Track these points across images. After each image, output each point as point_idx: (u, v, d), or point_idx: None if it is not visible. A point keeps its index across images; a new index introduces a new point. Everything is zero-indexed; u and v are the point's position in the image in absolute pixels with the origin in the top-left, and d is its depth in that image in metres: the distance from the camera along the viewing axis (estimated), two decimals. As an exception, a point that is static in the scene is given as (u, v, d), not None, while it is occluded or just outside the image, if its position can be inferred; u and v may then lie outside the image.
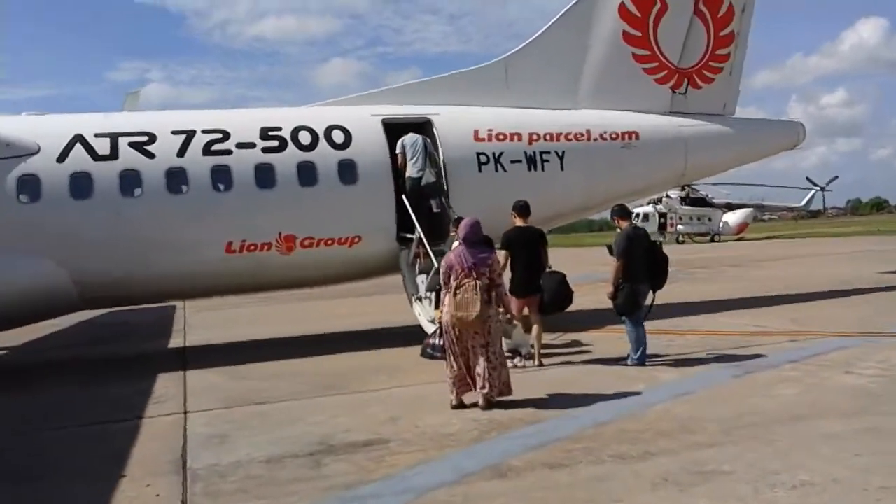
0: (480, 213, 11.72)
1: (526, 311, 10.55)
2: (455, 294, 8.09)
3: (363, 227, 13.40)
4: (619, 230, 10.43)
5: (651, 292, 10.35)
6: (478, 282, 8.02)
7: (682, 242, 58.59)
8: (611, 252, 10.31)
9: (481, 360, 8.05)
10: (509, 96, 15.20)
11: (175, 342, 16.24)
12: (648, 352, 10.30)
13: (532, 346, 10.38)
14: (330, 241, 13.22)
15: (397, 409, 8.28)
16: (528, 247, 10.62)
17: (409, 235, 13.20)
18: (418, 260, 12.82)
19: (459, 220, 10.66)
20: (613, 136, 15.29)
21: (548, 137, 14.71)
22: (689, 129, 16.00)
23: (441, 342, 8.87)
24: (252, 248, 12.82)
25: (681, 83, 16.29)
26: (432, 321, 11.88)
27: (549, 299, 10.45)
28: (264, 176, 12.89)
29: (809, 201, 75.29)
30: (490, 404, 8.01)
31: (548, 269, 10.71)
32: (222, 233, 12.74)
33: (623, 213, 10.67)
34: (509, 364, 8.70)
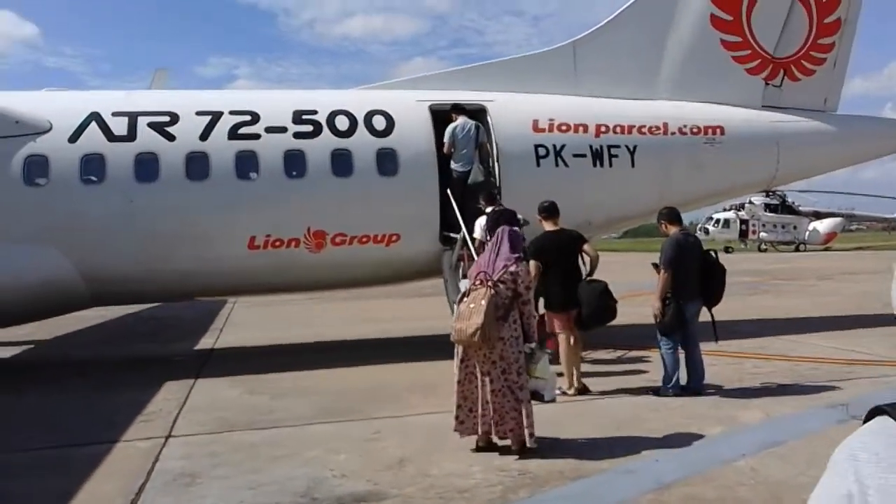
0: (536, 213, 10.26)
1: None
2: (461, 302, 6.50)
3: (402, 224, 11.92)
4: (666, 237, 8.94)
5: (708, 310, 8.78)
6: (490, 291, 6.33)
7: (765, 251, 55.71)
8: (657, 269, 8.71)
9: (487, 393, 6.39)
10: (577, 84, 13.49)
11: (206, 342, 15.06)
12: (714, 381, 8.65)
13: (561, 386, 8.50)
14: (365, 239, 11.78)
15: (410, 447, 6.77)
16: (563, 253, 9.06)
17: (453, 235, 11.68)
18: (462, 263, 11.29)
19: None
20: (695, 130, 13.43)
21: (618, 129, 12.95)
22: (783, 125, 14.00)
23: None
24: (278, 244, 11.47)
25: (776, 74, 14.31)
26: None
27: (589, 312, 8.76)
28: (294, 164, 11.52)
29: (904, 212, 70.78)
30: (523, 448, 6.41)
31: (586, 278, 9.08)
32: (245, 226, 11.42)
33: (672, 216, 9.08)
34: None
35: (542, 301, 9.18)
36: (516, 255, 6.77)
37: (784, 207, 56.69)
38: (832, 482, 1.04)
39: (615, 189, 12.82)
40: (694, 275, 8.60)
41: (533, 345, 6.59)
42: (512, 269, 6.51)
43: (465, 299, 6.47)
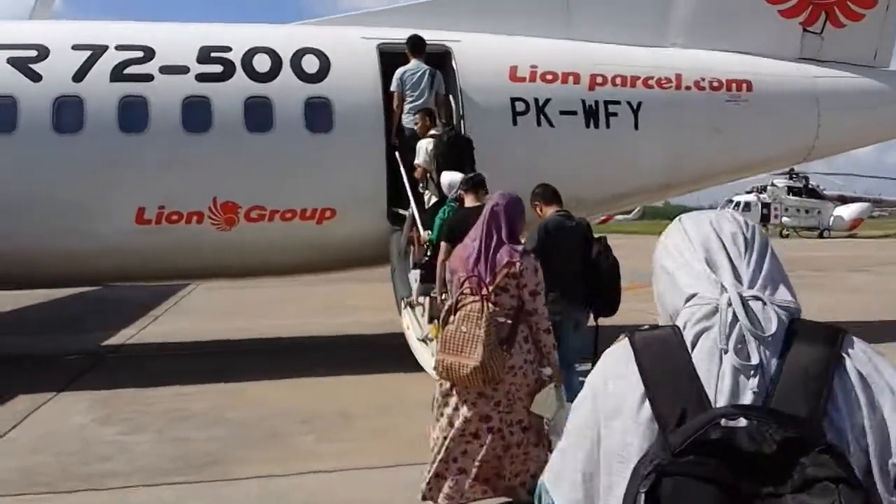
0: (512, 185, 7.79)
1: None
2: (447, 321, 4.34)
3: (338, 197, 9.41)
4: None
5: (592, 319, 6.37)
6: (488, 305, 4.21)
7: (787, 236, 52.93)
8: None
9: (490, 447, 4.26)
10: (569, 24, 10.82)
11: (125, 335, 12.56)
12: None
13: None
14: (289, 215, 9.27)
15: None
16: None
17: (403, 211, 9.17)
18: (412, 247, 8.81)
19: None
20: (715, 85, 10.77)
21: (618, 81, 10.30)
22: (825, 81, 11.31)
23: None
24: (175, 218, 8.97)
25: (816, 18, 11.58)
26: (425, 340, 7.96)
27: None
28: (195, 114, 8.99)
29: (935, 197, 67.66)
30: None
31: None
32: (132, 194, 8.95)
33: (547, 195, 6.52)
34: None
35: None
36: (520, 245, 4.55)
37: (808, 191, 53.94)
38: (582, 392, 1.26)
39: (614, 157, 10.23)
40: (572, 271, 6.09)
41: (549, 371, 4.41)
42: (515, 269, 4.33)
43: (453, 318, 4.32)
